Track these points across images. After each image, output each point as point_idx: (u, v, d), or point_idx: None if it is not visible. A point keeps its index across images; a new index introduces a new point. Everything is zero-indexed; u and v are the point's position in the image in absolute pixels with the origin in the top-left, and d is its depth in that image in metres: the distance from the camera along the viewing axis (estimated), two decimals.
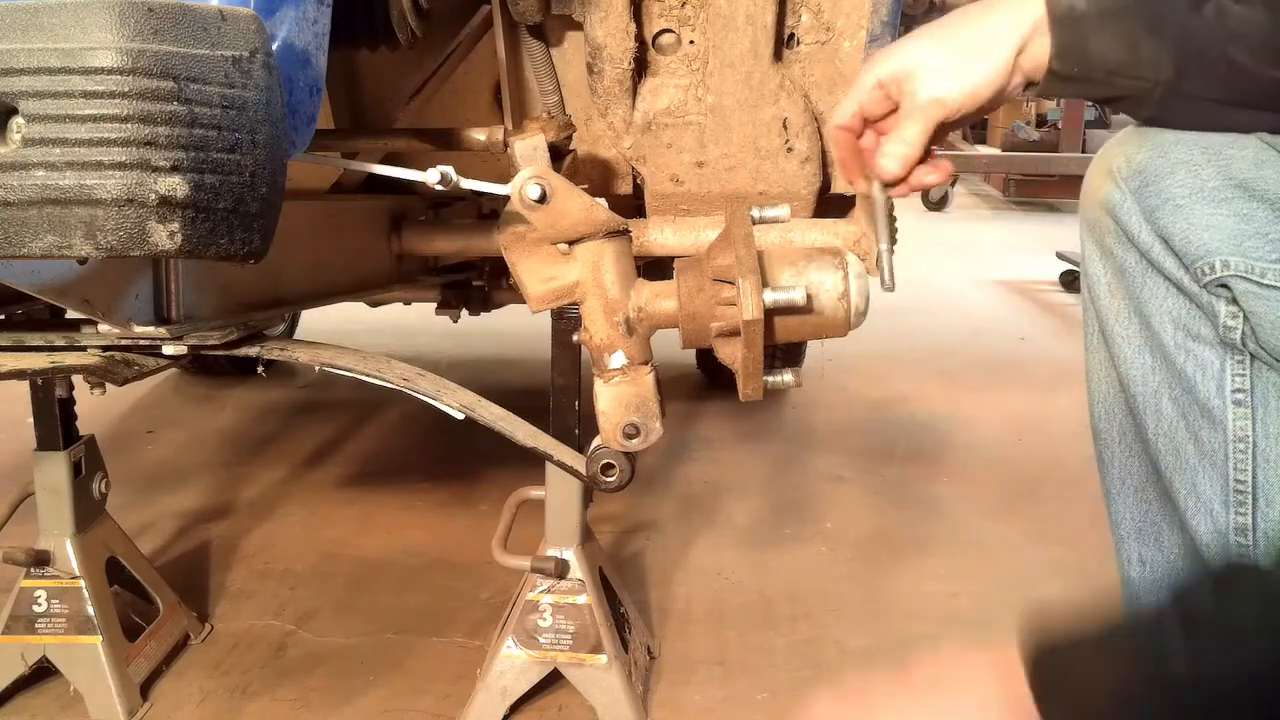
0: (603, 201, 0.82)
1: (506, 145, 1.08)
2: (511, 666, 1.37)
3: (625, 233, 0.83)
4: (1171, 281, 0.82)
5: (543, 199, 0.78)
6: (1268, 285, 0.76)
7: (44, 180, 0.64)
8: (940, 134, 0.84)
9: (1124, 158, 0.85)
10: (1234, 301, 0.78)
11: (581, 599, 1.37)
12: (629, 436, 0.82)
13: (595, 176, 1.37)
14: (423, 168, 0.92)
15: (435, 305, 2.19)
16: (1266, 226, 0.77)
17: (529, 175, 0.78)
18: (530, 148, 0.84)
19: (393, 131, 1.34)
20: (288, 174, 0.76)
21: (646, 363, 0.82)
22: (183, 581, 1.72)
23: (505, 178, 0.83)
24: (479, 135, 1.16)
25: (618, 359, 0.81)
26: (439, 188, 0.94)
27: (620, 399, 0.81)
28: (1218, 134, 0.82)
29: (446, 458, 2.42)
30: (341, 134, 1.36)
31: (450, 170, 0.93)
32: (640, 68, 1.19)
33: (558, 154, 0.95)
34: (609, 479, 0.84)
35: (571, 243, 0.82)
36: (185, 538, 1.99)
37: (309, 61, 0.82)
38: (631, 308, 0.82)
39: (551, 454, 0.92)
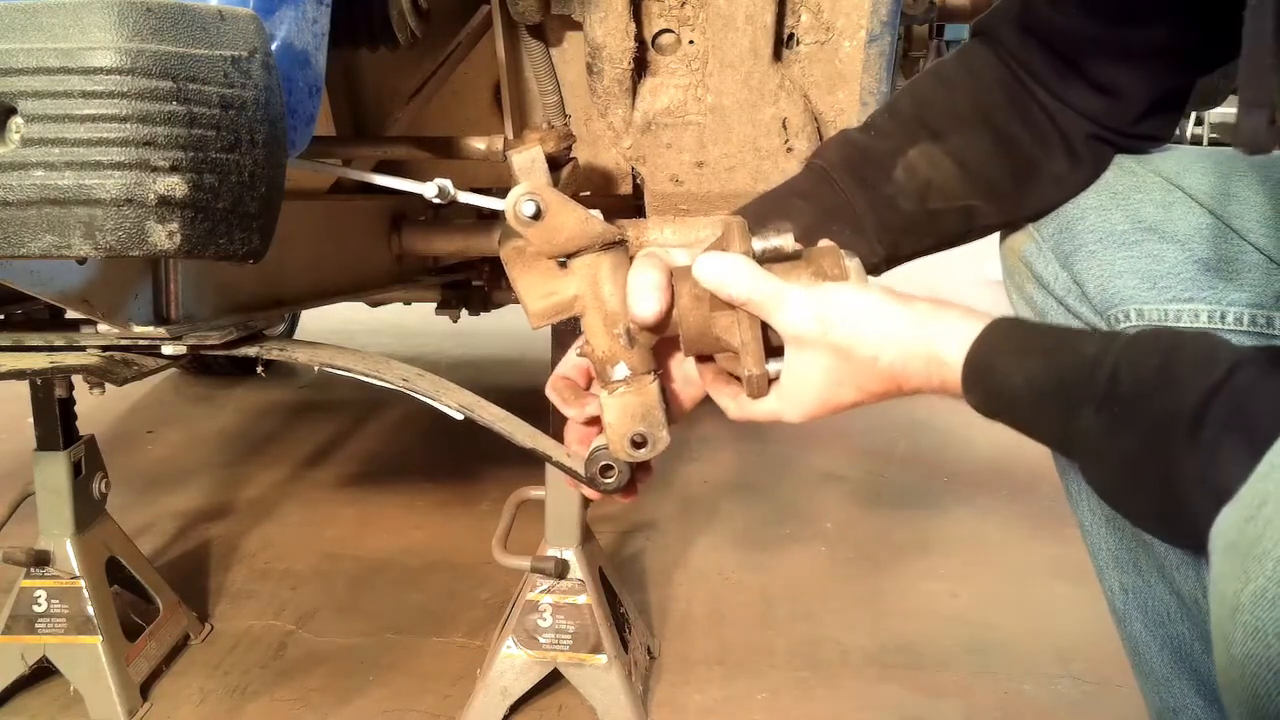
0: (598, 213, 0.81)
1: (506, 155, 1.08)
2: (511, 666, 1.37)
3: (622, 243, 0.82)
4: (1089, 326, 0.83)
5: (537, 215, 0.78)
6: (1182, 328, 0.76)
7: (43, 180, 0.64)
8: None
9: None
10: None
11: (581, 599, 1.37)
12: (637, 446, 0.81)
13: (595, 178, 1.37)
14: (422, 173, 0.92)
15: (435, 305, 2.19)
16: (1177, 266, 0.78)
17: (523, 192, 0.78)
18: (528, 160, 0.84)
19: (392, 140, 1.34)
20: (287, 174, 0.76)
21: (650, 372, 0.82)
22: (183, 581, 1.72)
23: (506, 181, 0.83)
24: (478, 144, 1.16)
25: (620, 370, 0.81)
26: (437, 200, 0.94)
27: (626, 410, 0.81)
28: (1125, 179, 0.84)
29: (446, 458, 2.42)
30: (340, 141, 1.36)
31: (448, 184, 0.93)
32: (640, 68, 1.18)
33: (556, 164, 0.95)
34: (608, 481, 0.83)
35: (570, 256, 0.81)
36: (185, 538, 1.99)
37: (308, 61, 0.82)
38: (631, 318, 0.82)
39: (551, 455, 0.92)
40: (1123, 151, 0.86)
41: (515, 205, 0.78)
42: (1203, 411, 0.56)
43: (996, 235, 0.94)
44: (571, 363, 0.87)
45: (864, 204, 0.86)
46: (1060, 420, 0.64)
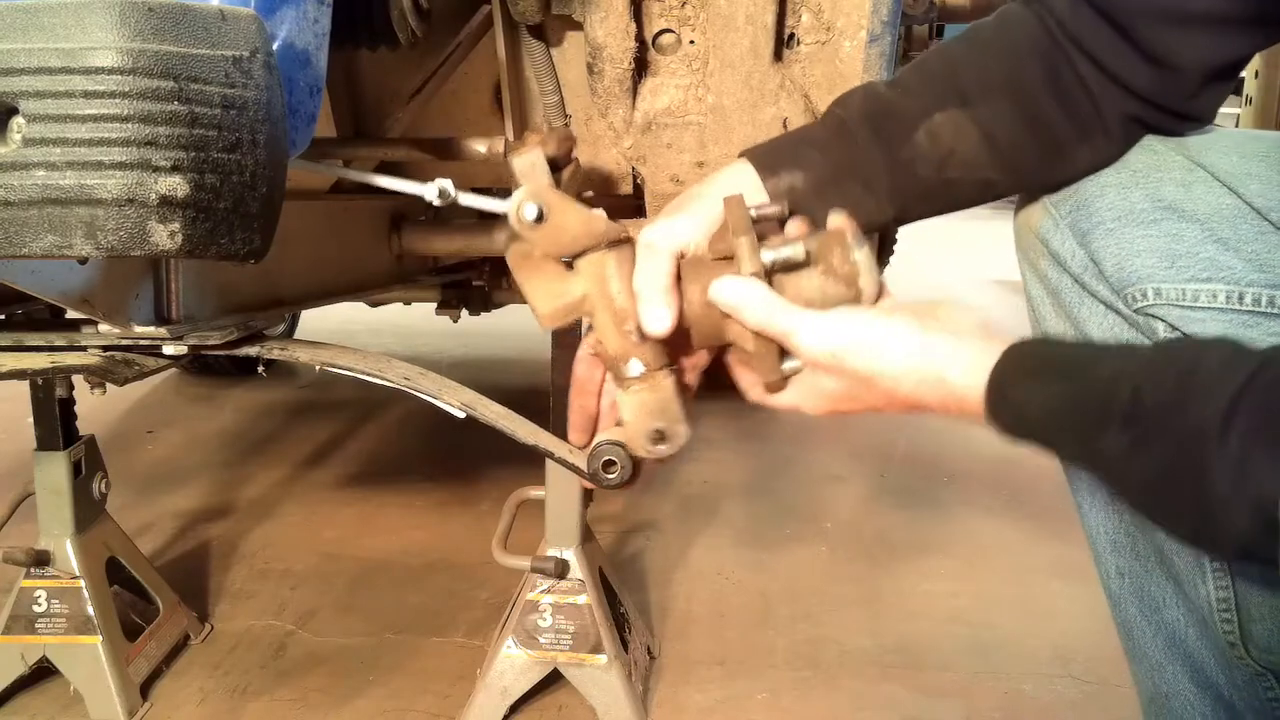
0: (601, 211, 0.81)
1: (507, 155, 1.08)
2: (511, 666, 1.37)
3: (628, 240, 0.82)
4: (1106, 305, 0.82)
5: (540, 218, 0.78)
6: (1200, 308, 0.75)
7: (44, 180, 0.64)
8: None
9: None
10: (1169, 323, 0.78)
11: (581, 599, 1.37)
12: (656, 442, 0.81)
13: (595, 178, 1.37)
14: (423, 174, 0.92)
15: (435, 305, 2.19)
16: (1197, 246, 0.77)
17: (525, 196, 0.78)
18: (528, 163, 0.84)
19: (392, 141, 1.34)
20: (287, 174, 0.76)
21: (664, 367, 0.81)
22: (183, 581, 1.72)
23: (507, 181, 0.83)
24: (479, 146, 1.16)
25: (634, 367, 0.81)
26: (438, 202, 0.94)
27: (643, 407, 0.81)
28: (1145, 156, 0.82)
29: (446, 458, 2.42)
30: (341, 142, 1.36)
31: (449, 185, 0.94)
32: (640, 68, 1.19)
33: (557, 166, 0.95)
34: (610, 476, 0.83)
35: (575, 256, 0.81)
36: (185, 538, 1.99)
37: (309, 61, 0.82)
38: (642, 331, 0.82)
39: (553, 452, 0.92)
40: (1163, 134, 0.83)
41: (518, 209, 0.78)
42: (1229, 418, 0.56)
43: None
44: (584, 360, 0.87)
45: (880, 163, 0.84)
46: (1086, 442, 0.64)
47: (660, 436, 0.81)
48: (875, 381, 0.74)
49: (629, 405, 0.81)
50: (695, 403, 0.88)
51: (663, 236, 0.81)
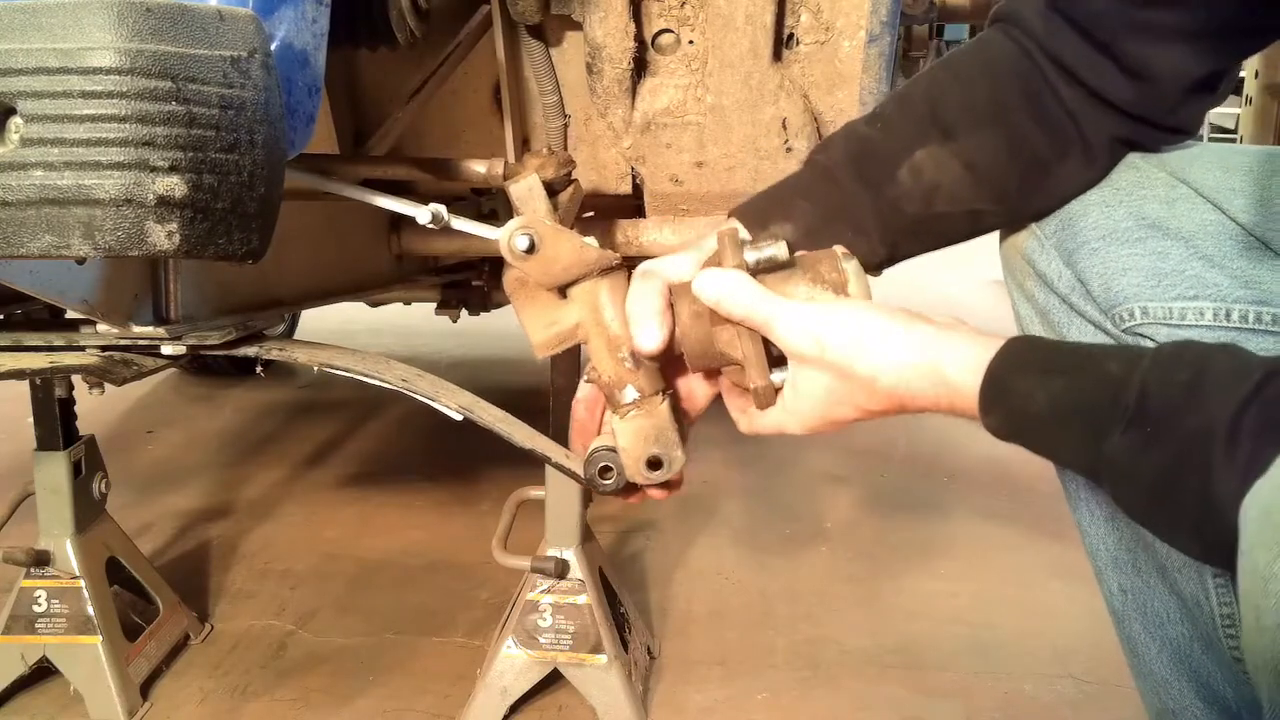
0: (593, 240, 0.81)
1: (505, 179, 1.09)
2: (511, 666, 1.37)
3: (620, 267, 0.82)
4: (1094, 325, 0.81)
5: (531, 248, 0.78)
6: (1188, 325, 0.75)
7: (42, 180, 0.64)
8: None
9: None
10: (1157, 342, 0.76)
11: (581, 599, 1.37)
12: (652, 468, 0.81)
13: (595, 178, 1.37)
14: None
15: (435, 305, 2.19)
16: (1182, 263, 0.76)
17: (516, 227, 0.78)
18: (525, 189, 0.84)
19: (391, 161, 1.34)
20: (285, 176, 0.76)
21: (659, 392, 0.81)
22: (183, 581, 1.72)
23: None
24: (478, 167, 1.16)
25: (629, 394, 0.81)
26: (430, 226, 0.94)
27: (639, 433, 0.81)
28: (1129, 174, 0.82)
29: (446, 458, 2.42)
30: (340, 160, 1.36)
31: (442, 210, 0.94)
32: (640, 68, 1.19)
33: (555, 190, 0.95)
34: (607, 481, 0.83)
35: (569, 285, 0.81)
36: (185, 538, 1.99)
37: (308, 61, 0.82)
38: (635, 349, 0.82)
39: (550, 456, 0.92)
40: (1147, 150, 0.83)
41: (509, 240, 0.78)
42: (1237, 425, 0.55)
43: (996, 233, 0.93)
44: (585, 391, 0.87)
45: (867, 205, 0.84)
46: (1087, 443, 0.63)
47: (656, 462, 0.81)
48: (854, 370, 0.72)
49: (625, 432, 0.81)
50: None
51: (656, 266, 0.81)
